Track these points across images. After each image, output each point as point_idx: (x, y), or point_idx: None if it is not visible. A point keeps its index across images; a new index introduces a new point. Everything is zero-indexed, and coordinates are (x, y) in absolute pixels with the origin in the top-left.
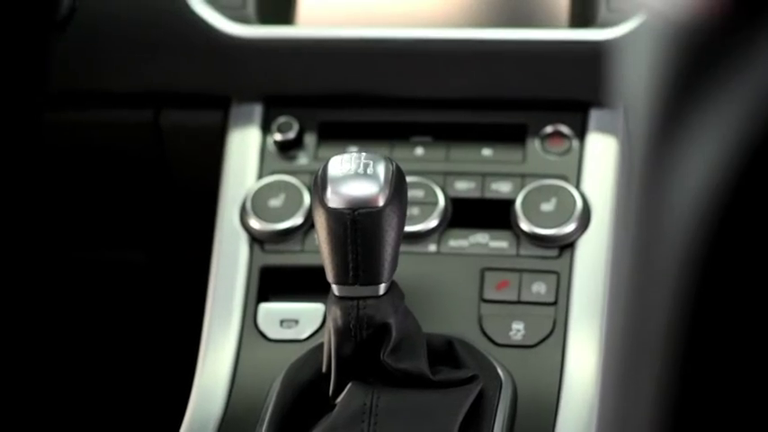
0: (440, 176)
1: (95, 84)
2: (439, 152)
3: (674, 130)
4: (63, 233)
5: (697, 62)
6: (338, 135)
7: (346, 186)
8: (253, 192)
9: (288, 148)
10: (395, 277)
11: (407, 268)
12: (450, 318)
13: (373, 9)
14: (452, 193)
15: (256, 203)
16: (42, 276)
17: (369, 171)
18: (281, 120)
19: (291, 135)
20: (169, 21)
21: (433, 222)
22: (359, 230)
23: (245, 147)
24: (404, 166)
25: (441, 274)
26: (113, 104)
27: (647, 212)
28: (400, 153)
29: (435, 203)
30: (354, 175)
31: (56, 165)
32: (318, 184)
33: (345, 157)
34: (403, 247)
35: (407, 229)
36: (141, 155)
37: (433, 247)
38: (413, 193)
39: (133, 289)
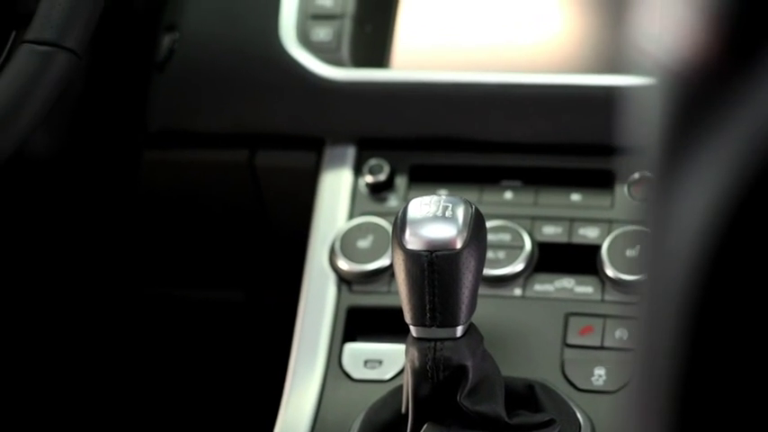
0: (527, 221)
1: (193, 124)
2: (527, 196)
3: (674, 170)
4: (161, 271)
5: (693, 107)
6: (429, 178)
7: (424, 228)
8: (342, 233)
9: (379, 190)
10: (478, 320)
11: (492, 312)
12: (532, 362)
13: (466, 54)
14: (539, 238)
15: (345, 244)
16: (139, 313)
17: (447, 214)
18: (373, 162)
19: (382, 177)
20: (265, 63)
21: (518, 266)
22: (436, 272)
23: (336, 188)
24: (492, 210)
25: (525, 318)
26: (210, 145)
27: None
28: (489, 197)
29: (522, 247)
30: (433, 218)
31: (155, 202)
32: (398, 226)
33: (425, 199)
34: (488, 291)
35: (493, 272)
36: (237, 194)
37: (518, 291)
38: (499, 237)
39: (230, 327)
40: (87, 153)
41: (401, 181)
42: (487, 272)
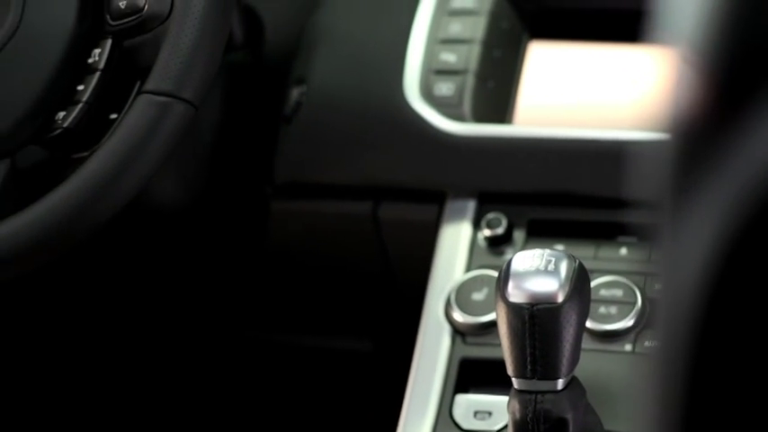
0: (640, 277)
1: (318, 176)
2: (642, 253)
3: (678, 213)
4: (287, 318)
5: (692, 156)
6: (546, 233)
7: (527, 282)
8: (458, 285)
9: (497, 244)
10: (586, 374)
11: (600, 366)
12: (638, 417)
13: (586, 110)
14: (651, 294)
15: (460, 296)
16: (264, 360)
17: (550, 268)
18: (491, 216)
19: (500, 231)
20: (389, 117)
21: (629, 322)
22: (537, 325)
23: (455, 241)
24: (606, 266)
25: (634, 374)
26: (335, 196)
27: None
28: (605, 252)
29: (633, 303)
30: (536, 272)
31: (283, 252)
32: (501, 279)
33: (529, 253)
34: (598, 346)
35: (603, 327)
36: (361, 244)
37: (628, 347)
38: (612, 293)
39: (353, 376)
40: (217, 204)
41: (519, 235)
42: (598, 327)
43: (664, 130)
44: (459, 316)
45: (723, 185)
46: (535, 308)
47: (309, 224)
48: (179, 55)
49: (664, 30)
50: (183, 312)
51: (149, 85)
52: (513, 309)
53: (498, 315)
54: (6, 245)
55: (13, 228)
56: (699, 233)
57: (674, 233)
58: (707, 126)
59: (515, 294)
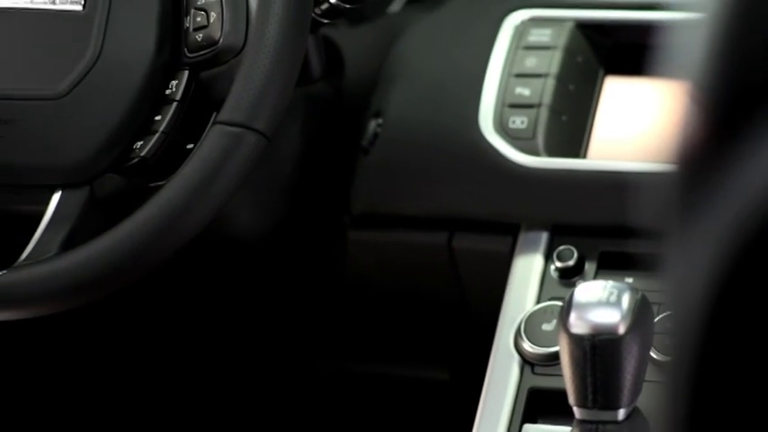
0: None
1: (394, 207)
2: None
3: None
4: (362, 348)
5: (692, 182)
6: (617, 265)
7: (588, 313)
8: (527, 315)
9: (568, 276)
10: (651, 406)
11: None
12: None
13: (661, 145)
14: None
15: (530, 327)
16: (339, 388)
17: (612, 299)
18: (562, 247)
19: (571, 263)
20: (463, 149)
21: None
22: (598, 356)
23: (527, 272)
24: None
25: None
26: (411, 227)
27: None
28: None
29: None
30: (598, 303)
31: (360, 281)
32: (564, 309)
33: (593, 284)
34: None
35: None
36: (436, 275)
37: None
38: None
39: (431, 405)
40: (296, 233)
41: (590, 267)
42: (664, 358)
43: (670, 160)
44: (528, 346)
45: (723, 209)
46: (596, 339)
47: (386, 254)
48: (252, 87)
49: (672, 64)
50: (259, 340)
51: (223, 116)
52: (575, 339)
53: (561, 345)
54: (83, 271)
55: (89, 254)
56: (700, 257)
57: (679, 256)
58: (706, 154)
59: (577, 325)
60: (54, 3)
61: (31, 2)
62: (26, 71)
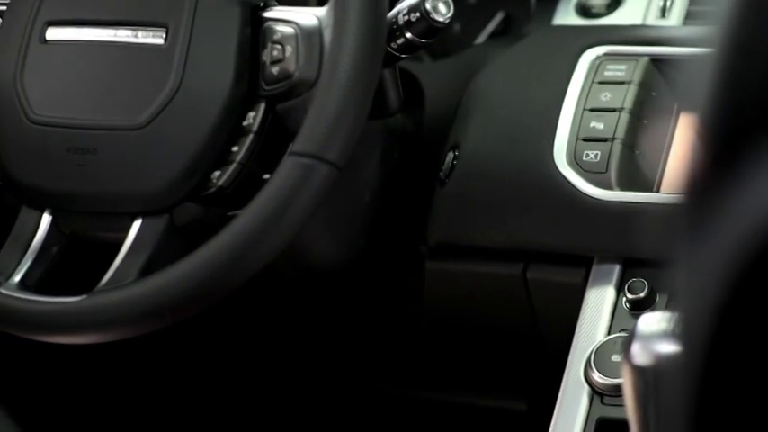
0: None
1: (470, 238)
2: None
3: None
4: (439, 376)
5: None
6: None
7: (651, 344)
8: (597, 346)
9: (639, 308)
10: None
11: None
12: None
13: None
14: None
15: (600, 358)
16: (411, 418)
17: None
18: (634, 280)
19: (642, 295)
20: (538, 182)
21: None
22: (659, 387)
23: (599, 304)
24: None
25: None
26: (486, 258)
27: None
28: None
29: None
30: (661, 334)
31: (436, 311)
32: (628, 340)
33: (658, 315)
34: None
35: None
36: (511, 305)
37: None
38: None
39: None
40: (374, 263)
41: (661, 300)
42: None
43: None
44: (597, 377)
45: (722, 235)
46: (658, 370)
47: (462, 284)
48: (323, 119)
49: (682, 100)
50: (336, 368)
51: (295, 147)
52: (637, 370)
53: (623, 376)
54: (160, 297)
55: (165, 280)
56: (703, 282)
57: (684, 280)
58: (707, 181)
59: (639, 355)
60: (137, 36)
61: (116, 35)
62: (109, 102)
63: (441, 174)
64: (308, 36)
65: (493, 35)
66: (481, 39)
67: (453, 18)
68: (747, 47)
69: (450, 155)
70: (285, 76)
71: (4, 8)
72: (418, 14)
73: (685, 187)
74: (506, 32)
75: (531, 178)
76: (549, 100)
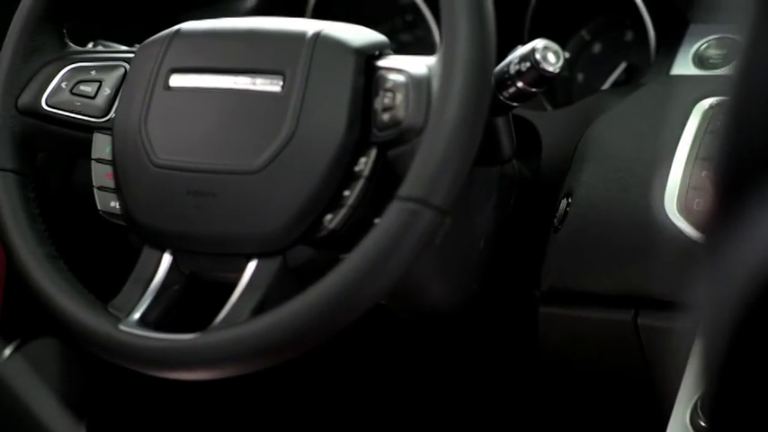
0: None
1: (582, 284)
2: None
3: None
4: (553, 419)
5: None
6: None
7: None
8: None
9: None
10: None
11: None
12: None
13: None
14: None
15: (705, 404)
16: None
17: None
18: None
19: None
20: (649, 229)
21: None
22: None
23: None
24: None
25: None
26: (597, 303)
27: None
28: None
29: None
30: None
31: (550, 356)
32: None
33: None
34: None
35: None
36: (622, 351)
37: None
38: None
39: None
40: (487, 308)
41: None
42: None
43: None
44: (703, 423)
45: (729, 273)
46: None
47: (574, 329)
48: (429, 164)
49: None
50: (448, 409)
51: (402, 192)
52: None
53: None
54: (269, 336)
55: (275, 320)
56: (712, 320)
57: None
58: (718, 220)
59: None
60: (255, 84)
61: (235, 82)
62: (227, 147)
63: (555, 220)
64: (418, 84)
65: (615, 84)
66: (604, 87)
67: (577, 68)
68: (750, 103)
69: (564, 201)
70: (395, 122)
71: (132, 55)
72: (528, 64)
73: (702, 225)
74: (628, 82)
75: (643, 226)
76: (662, 148)
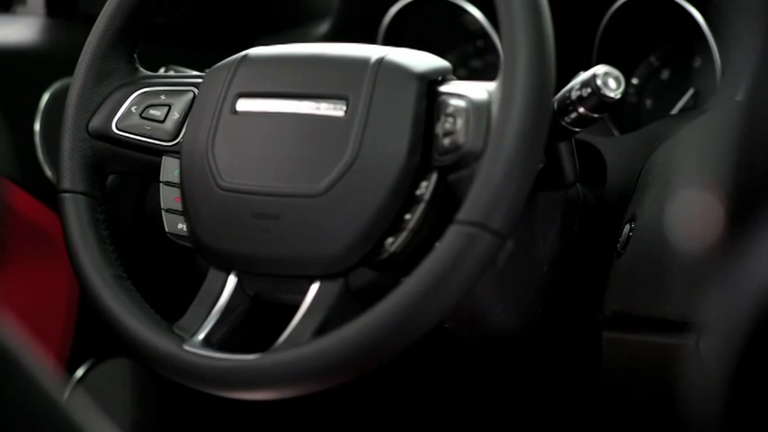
0: None
1: (645, 309)
2: None
3: None
4: None
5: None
6: None
7: None
8: None
9: None
10: None
11: None
12: None
13: None
14: None
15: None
16: None
17: None
18: None
19: None
20: (709, 255)
21: None
22: None
23: None
24: None
25: None
26: (661, 328)
27: None
28: None
29: None
30: None
31: (612, 380)
32: None
33: None
34: None
35: None
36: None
37: None
38: None
39: None
40: (551, 332)
41: None
42: None
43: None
44: None
45: (731, 296)
46: None
47: (637, 353)
48: (488, 189)
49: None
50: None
51: (460, 216)
52: None
53: None
54: (329, 357)
55: (334, 342)
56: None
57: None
58: (728, 239)
59: None
60: (319, 108)
61: (299, 107)
62: (291, 170)
63: (618, 245)
64: (478, 109)
65: (683, 110)
66: (672, 113)
67: (646, 94)
68: (757, 131)
69: (627, 226)
70: (455, 147)
71: (201, 80)
72: (589, 90)
73: (710, 243)
74: (696, 108)
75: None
76: None
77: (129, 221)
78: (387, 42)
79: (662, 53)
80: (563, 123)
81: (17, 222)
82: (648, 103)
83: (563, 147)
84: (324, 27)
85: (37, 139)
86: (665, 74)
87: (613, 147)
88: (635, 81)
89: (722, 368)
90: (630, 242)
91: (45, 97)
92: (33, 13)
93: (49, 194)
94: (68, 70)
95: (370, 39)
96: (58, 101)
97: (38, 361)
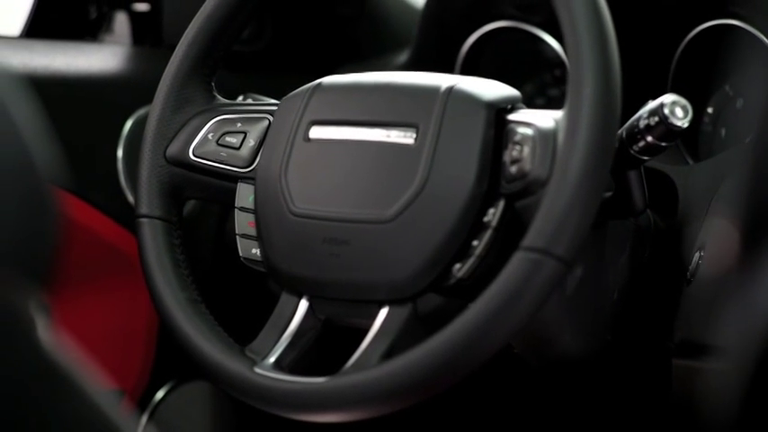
0: None
1: (714, 338)
2: None
3: None
4: None
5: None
6: None
7: None
8: None
9: None
10: None
11: None
12: None
13: None
14: None
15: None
16: None
17: None
18: None
19: None
20: None
21: None
22: None
23: None
24: None
25: None
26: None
27: None
28: None
29: None
30: None
31: (685, 409)
32: None
33: None
34: None
35: None
36: None
37: None
38: None
39: None
40: (620, 359)
41: None
42: None
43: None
44: None
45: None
46: None
47: (706, 381)
48: (552, 216)
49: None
50: None
51: (525, 242)
52: None
53: None
54: (395, 381)
55: (401, 366)
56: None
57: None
58: (743, 263)
59: None
60: (389, 136)
61: (370, 135)
62: (362, 197)
63: (687, 273)
64: (545, 137)
65: None
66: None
67: (720, 123)
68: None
69: (697, 254)
70: (522, 174)
71: (276, 108)
72: (657, 118)
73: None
74: None
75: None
76: None
77: (209, 247)
78: (464, 71)
79: (736, 82)
80: (632, 152)
81: (100, 247)
82: (723, 132)
83: (632, 175)
84: (403, 56)
85: (120, 165)
86: (740, 102)
87: (686, 175)
88: (710, 110)
89: (737, 389)
90: (699, 270)
91: (128, 124)
92: (119, 42)
93: (131, 220)
94: (151, 98)
95: (449, 68)
96: (141, 128)
97: (94, 382)
